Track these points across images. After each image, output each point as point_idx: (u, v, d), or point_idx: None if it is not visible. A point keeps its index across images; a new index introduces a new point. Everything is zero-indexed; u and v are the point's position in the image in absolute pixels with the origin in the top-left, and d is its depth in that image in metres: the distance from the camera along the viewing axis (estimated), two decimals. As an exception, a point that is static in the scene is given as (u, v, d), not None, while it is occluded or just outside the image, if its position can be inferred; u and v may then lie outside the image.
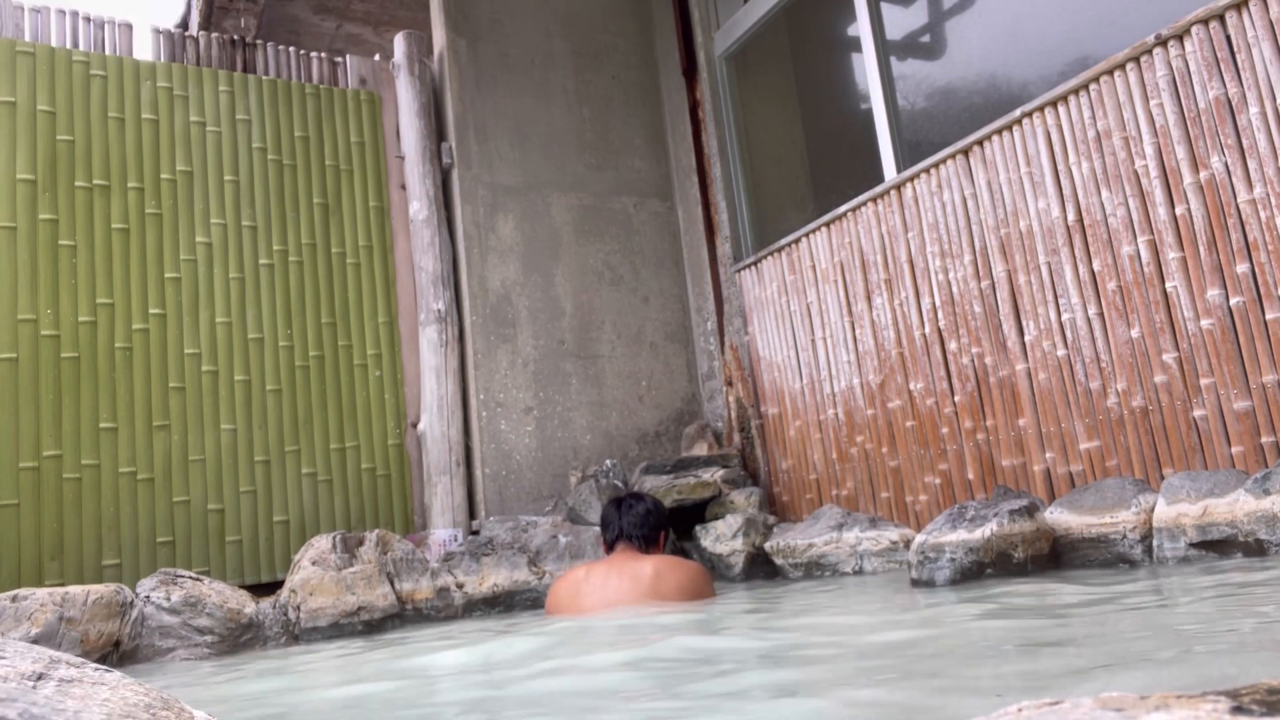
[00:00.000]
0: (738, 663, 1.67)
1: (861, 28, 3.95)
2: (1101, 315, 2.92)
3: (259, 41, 4.46)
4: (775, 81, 4.73)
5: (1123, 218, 2.85)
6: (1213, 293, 2.63)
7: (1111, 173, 2.89)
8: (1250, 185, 2.54)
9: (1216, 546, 2.25)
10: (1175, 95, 2.72)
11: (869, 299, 3.77)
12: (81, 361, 3.69)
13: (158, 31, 4.20)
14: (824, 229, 4.01)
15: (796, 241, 4.16)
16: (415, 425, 4.30)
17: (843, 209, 3.89)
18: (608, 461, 4.19)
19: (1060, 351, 3.05)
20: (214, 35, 4.31)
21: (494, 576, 3.40)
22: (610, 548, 2.94)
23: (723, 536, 3.64)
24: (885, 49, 3.90)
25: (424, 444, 4.25)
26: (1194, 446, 2.68)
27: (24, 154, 3.75)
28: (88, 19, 4.03)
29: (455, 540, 4.05)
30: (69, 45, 3.96)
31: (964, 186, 3.37)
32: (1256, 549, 2.15)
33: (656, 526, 2.96)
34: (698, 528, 3.76)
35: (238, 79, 4.27)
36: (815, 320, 4.05)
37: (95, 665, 0.86)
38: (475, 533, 4.08)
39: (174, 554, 3.72)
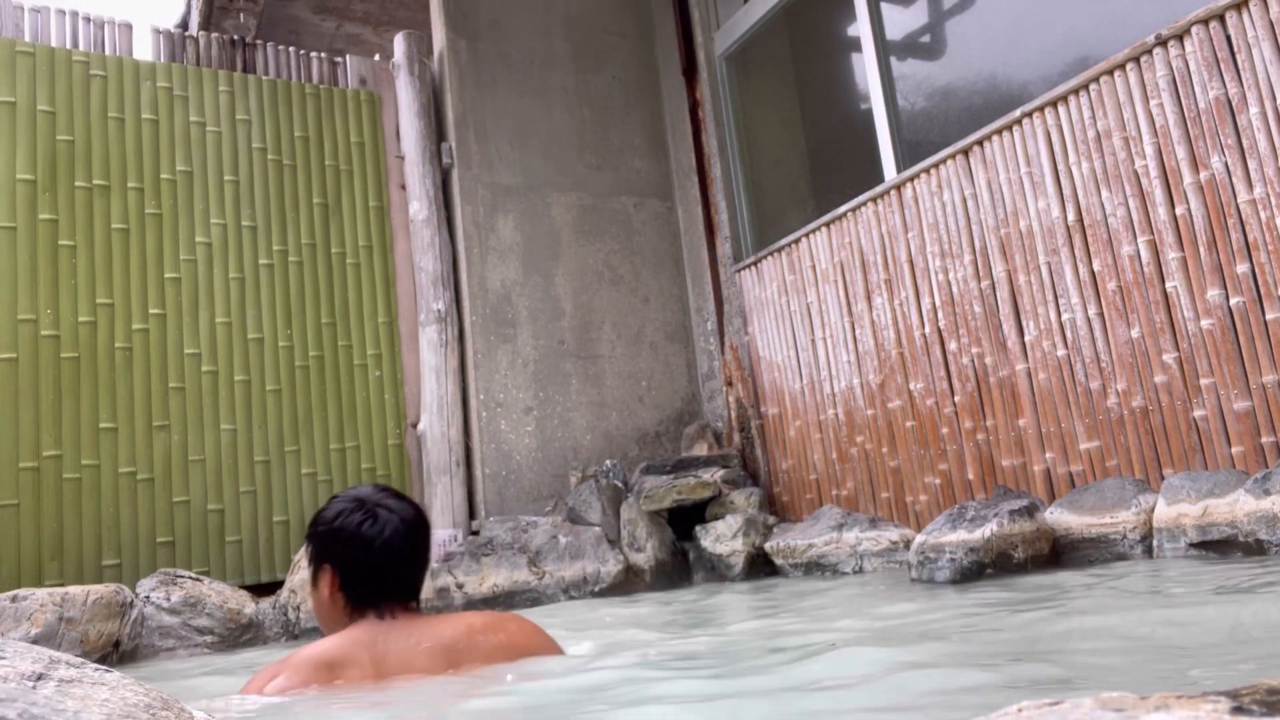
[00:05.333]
0: (738, 665, 1.67)
1: (861, 28, 3.95)
2: (1101, 315, 2.92)
3: (259, 41, 4.46)
4: (775, 81, 4.73)
5: (1123, 218, 2.85)
6: (1213, 293, 2.62)
7: (1111, 173, 2.89)
8: (1250, 185, 2.54)
9: (1216, 546, 2.25)
10: (1175, 95, 2.72)
11: (869, 299, 3.77)
12: (81, 361, 3.69)
13: (158, 31, 4.20)
14: (824, 229, 4.01)
15: (796, 242, 4.16)
16: (415, 425, 4.30)
17: (843, 209, 3.89)
18: (608, 462, 4.19)
19: (1060, 351, 3.04)
20: (214, 35, 4.31)
21: (494, 576, 3.40)
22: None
23: (723, 537, 3.64)
24: (885, 49, 3.90)
25: (424, 444, 4.25)
26: (1194, 446, 2.68)
27: (24, 154, 3.74)
28: (88, 19, 4.03)
29: (455, 540, 4.05)
30: (69, 45, 3.96)
31: (964, 186, 3.37)
32: (1256, 549, 2.15)
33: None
34: (698, 528, 3.76)
35: (238, 79, 4.27)
36: (815, 320, 4.05)
37: (95, 665, 0.86)
38: (475, 533, 4.08)
39: (174, 554, 3.72)
